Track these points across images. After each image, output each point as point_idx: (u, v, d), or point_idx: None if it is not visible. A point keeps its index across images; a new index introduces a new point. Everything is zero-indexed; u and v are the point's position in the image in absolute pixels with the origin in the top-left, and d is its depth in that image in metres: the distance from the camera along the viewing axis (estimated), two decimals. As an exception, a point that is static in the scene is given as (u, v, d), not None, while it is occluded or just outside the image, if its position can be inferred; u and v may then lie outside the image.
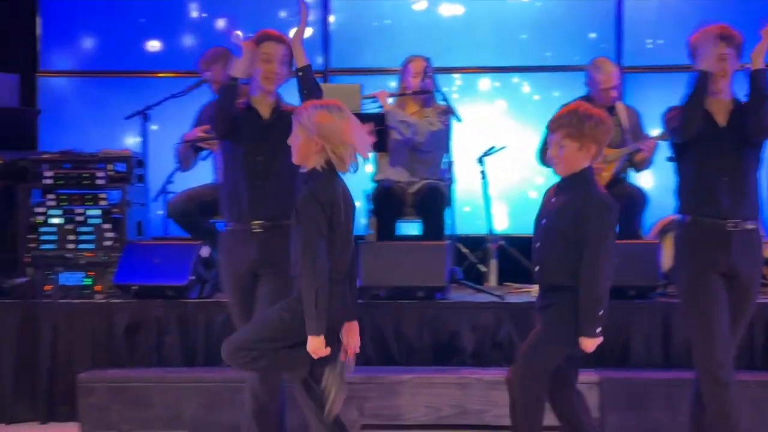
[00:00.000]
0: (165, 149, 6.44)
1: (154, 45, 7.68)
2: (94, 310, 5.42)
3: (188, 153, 6.16)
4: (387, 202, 6.18)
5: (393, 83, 6.65)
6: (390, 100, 6.30)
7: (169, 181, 6.41)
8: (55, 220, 5.78)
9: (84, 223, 5.79)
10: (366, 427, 5.07)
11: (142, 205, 6.10)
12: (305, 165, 3.69)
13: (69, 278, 5.68)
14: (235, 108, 4.16)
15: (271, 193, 4.11)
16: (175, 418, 5.10)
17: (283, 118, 4.13)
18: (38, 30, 7.47)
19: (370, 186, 6.41)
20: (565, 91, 6.88)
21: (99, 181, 5.81)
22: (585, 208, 3.75)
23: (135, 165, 5.97)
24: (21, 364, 5.37)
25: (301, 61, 4.15)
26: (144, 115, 6.35)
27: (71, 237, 5.76)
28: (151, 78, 7.58)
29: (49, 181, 5.80)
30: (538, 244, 3.87)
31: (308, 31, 6.30)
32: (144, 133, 6.38)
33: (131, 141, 7.23)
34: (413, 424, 5.04)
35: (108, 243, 5.77)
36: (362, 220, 6.64)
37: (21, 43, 7.36)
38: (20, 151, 6.13)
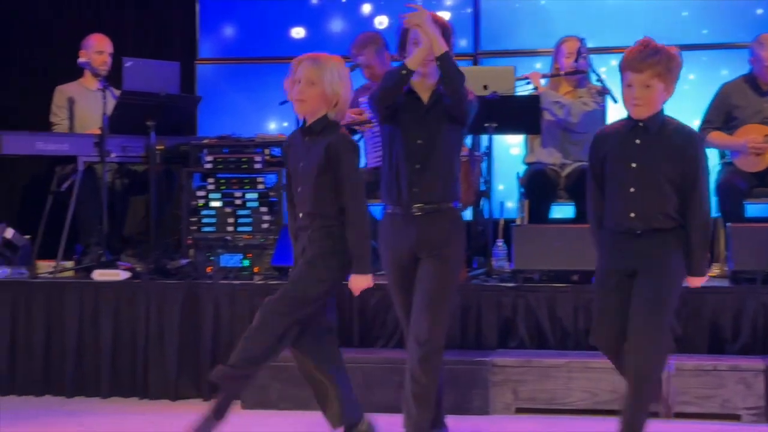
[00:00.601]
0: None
1: (298, 32, 7.81)
2: (253, 290, 5.57)
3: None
4: (539, 185, 6.13)
5: (539, 65, 6.58)
6: (543, 82, 6.25)
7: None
8: (215, 204, 5.97)
9: (242, 207, 5.95)
10: (521, 410, 5.06)
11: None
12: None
13: (229, 260, 5.85)
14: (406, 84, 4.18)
15: (430, 177, 4.12)
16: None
17: (442, 102, 4.14)
18: (197, 19, 7.68)
19: (521, 168, 6.37)
20: (728, 70, 6.69)
21: (256, 165, 5.96)
22: (689, 147, 3.73)
23: (287, 149, 6.10)
24: (185, 343, 5.56)
25: (437, 48, 4.10)
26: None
27: (230, 220, 5.93)
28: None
29: (209, 166, 5.98)
30: (632, 189, 3.73)
31: (446, 15, 6.30)
32: (297, 119, 6.49)
33: (284, 125, 7.38)
34: (568, 408, 5.00)
35: (265, 226, 5.92)
36: (510, 203, 6.62)
37: (181, 32, 7.61)
38: (181, 137, 6.36)
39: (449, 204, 4.17)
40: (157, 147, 6.09)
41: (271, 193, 5.96)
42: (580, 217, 5.96)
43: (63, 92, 6.52)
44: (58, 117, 6.50)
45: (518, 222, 6.19)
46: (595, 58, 6.29)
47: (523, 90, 6.14)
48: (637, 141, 3.73)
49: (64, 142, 6.03)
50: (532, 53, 7.24)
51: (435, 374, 4.15)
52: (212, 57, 7.84)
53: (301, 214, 4.02)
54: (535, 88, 6.15)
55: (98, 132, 6.02)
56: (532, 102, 5.96)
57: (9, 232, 5.97)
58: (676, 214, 3.73)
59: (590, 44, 6.23)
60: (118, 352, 5.60)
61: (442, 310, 4.12)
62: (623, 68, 3.73)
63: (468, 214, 5.92)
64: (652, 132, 3.73)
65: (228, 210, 5.94)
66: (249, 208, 5.94)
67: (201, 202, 5.97)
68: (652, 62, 3.65)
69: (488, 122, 5.72)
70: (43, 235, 6.12)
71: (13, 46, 7.58)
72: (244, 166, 5.96)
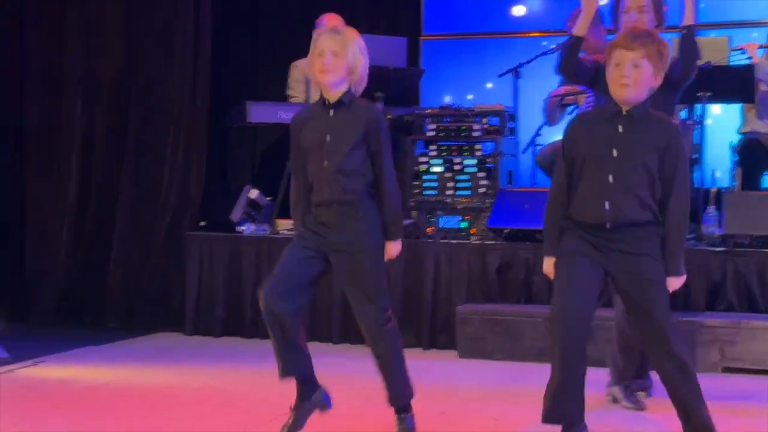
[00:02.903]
0: (534, 104, 6.85)
1: (519, 9, 8.06)
2: (469, 250, 5.98)
3: (555, 108, 6.54)
4: (753, 154, 6.22)
5: (755, 34, 6.58)
6: (759, 52, 6.28)
7: (537, 134, 6.80)
8: (436, 169, 6.41)
9: (461, 172, 6.37)
10: (727, 369, 5.23)
11: (513, 156, 6.58)
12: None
13: (448, 221, 6.29)
14: (589, 60, 4.45)
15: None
16: (542, 351, 5.52)
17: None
18: (422, -3, 8.12)
19: (736, 138, 6.44)
20: None
21: (475, 134, 6.36)
22: (673, 143, 3.49)
23: (507, 119, 6.47)
24: (407, 296, 6.02)
25: (688, 18, 4.34)
26: (515, 73, 6.79)
27: (450, 184, 6.36)
28: (519, 38, 7.97)
29: (431, 134, 6.44)
30: (611, 178, 3.48)
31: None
32: (515, 90, 6.82)
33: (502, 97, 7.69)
34: (776, 369, 5.13)
35: (482, 190, 6.31)
36: (718, 172, 6.67)
37: (408, 9, 8.03)
38: (406, 107, 6.82)
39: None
40: (386, 117, 6.55)
41: (488, 160, 6.33)
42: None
43: (299, 67, 7.05)
44: (295, 90, 7.07)
45: (733, 189, 6.28)
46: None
47: (738, 60, 6.21)
48: (620, 128, 3.51)
49: (303, 112, 6.60)
50: (750, 24, 7.22)
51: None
52: (436, 33, 8.23)
53: (326, 189, 3.82)
54: (750, 59, 6.20)
55: (331, 104, 6.53)
56: (747, 72, 6.03)
57: (253, 193, 6.60)
58: (652, 206, 3.50)
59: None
60: (346, 302, 6.10)
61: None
62: (612, 49, 3.54)
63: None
64: (636, 121, 3.51)
65: (448, 175, 6.37)
66: (467, 173, 6.35)
67: (423, 167, 6.43)
68: (644, 42, 3.49)
69: (701, 92, 5.85)
70: (283, 196, 6.71)
71: (255, 23, 8.20)
72: (463, 134, 6.37)
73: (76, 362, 5.56)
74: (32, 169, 6.93)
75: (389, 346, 3.97)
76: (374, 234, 3.85)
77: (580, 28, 4.32)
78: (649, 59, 3.47)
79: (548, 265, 3.68)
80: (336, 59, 3.78)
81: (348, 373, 5.15)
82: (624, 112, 3.52)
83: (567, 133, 3.64)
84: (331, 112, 3.85)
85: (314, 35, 3.86)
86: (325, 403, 3.98)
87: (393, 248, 3.91)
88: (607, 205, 3.47)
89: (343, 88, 3.84)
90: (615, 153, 3.48)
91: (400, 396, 3.98)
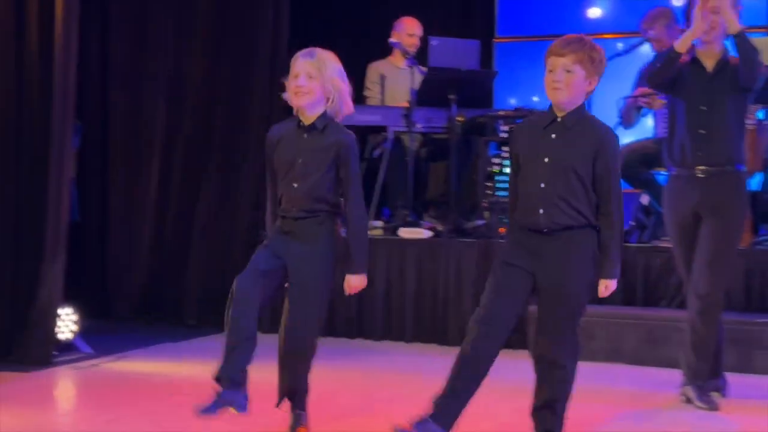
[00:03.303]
0: (608, 106, 6.83)
1: (594, 11, 8.04)
2: (542, 250, 5.98)
3: (631, 110, 6.52)
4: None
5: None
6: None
7: (610, 135, 6.76)
8: (509, 170, 6.41)
9: (534, 173, 6.37)
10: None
11: (586, 157, 6.56)
12: None
13: (521, 222, 6.30)
14: (678, 64, 4.45)
15: (713, 141, 4.38)
16: (615, 351, 5.53)
17: (727, 70, 4.37)
18: (496, 0, 8.12)
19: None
20: None
21: (548, 135, 6.36)
22: (605, 148, 3.55)
23: (580, 120, 6.44)
24: (478, 296, 6.01)
25: (733, 28, 4.33)
26: (588, 74, 6.77)
27: (524, 186, 6.37)
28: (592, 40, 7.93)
29: (504, 135, 6.46)
30: (543, 185, 3.55)
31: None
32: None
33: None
34: None
35: (555, 191, 6.30)
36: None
37: (481, 12, 8.07)
38: (479, 109, 6.86)
39: (733, 167, 4.42)
40: (458, 118, 6.59)
41: (561, 161, 6.33)
42: None
43: (375, 69, 7.15)
44: (371, 91, 7.15)
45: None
46: None
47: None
48: (553, 136, 3.59)
49: (377, 114, 6.69)
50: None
51: (713, 326, 4.41)
52: (509, 35, 8.24)
53: (294, 209, 3.81)
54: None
55: (406, 105, 6.60)
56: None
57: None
58: (586, 212, 3.57)
59: None
60: (420, 301, 6.19)
61: (722, 268, 4.38)
62: (546, 57, 3.63)
63: (755, 183, 6.02)
64: (569, 127, 3.58)
65: (522, 177, 6.38)
66: (541, 174, 6.36)
67: (496, 168, 6.47)
68: (574, 48, 3.56)
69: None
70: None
71: (332, 25, 8.32)
72: (536, 136, 6.38)
73: (156, 357, 5.72)
74: (115, 167, 7.10)
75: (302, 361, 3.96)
76: (331, 249, 3.83)
77: (683, 43, 4.34)
78: (581, 64, 3.55)
79: None
80: (310, 82, 3.78)
81: (420, 371, 5.21)
82: (559, 119, 3.60)
83: (511, 134, 3.74)
84: (305, 135, 3.84)
85: (293, 58, 3.88)
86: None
87: (355, 281, 3.89)
88: (541, 211, 3.56)
89: (318, 112, 3.82)
90: (546, 160, 3.57)
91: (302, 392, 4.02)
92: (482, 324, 3.63)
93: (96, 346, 5.76)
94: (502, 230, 6.27)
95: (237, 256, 6.79)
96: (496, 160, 6.47)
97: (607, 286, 3.66)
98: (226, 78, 6.97)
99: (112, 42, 7.12)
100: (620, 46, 6.98)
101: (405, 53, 6.83)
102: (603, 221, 3.57)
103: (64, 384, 5.21)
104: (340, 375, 5.27)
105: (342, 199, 3.84)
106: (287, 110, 6.98)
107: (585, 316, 3.79)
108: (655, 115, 6.48)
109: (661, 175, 6.07)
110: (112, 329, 6.53)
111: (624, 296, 5.79)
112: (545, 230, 3.57)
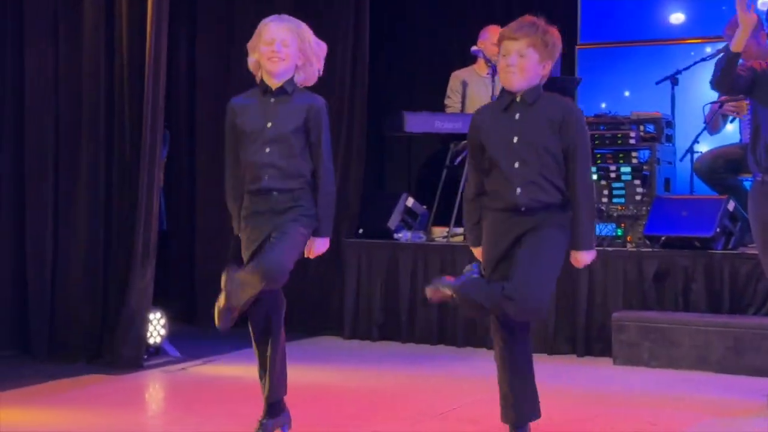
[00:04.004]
0: (691, 112, 6.78)
1: (678, 17, 7.96)
2: (625, 257, 5.96)
3: (716, 116, 6.45)
4: None
5: None
6: None
7: (695, 141, 6.71)
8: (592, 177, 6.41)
9: (617, 180, 6.36)
10: None
11: (670, 163, 6.52)
12: None
13: (603, 229, 6.28)
14: (745, 69, 4.39)
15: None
16: (702, 360, 5.47)
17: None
18: (578, 6, 8.10)
19: None
20: None
21: (631, 141, 6.34)
22: (569, 118, 3.57)
23: (664, 126, 6.43)
24: (561, 303, 6.05)
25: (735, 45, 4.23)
26: (673, 80, 6.74)
27: (605, 192, 6.36)
28: (676, 45, 7.87)
29: (585, 142, 6.43)
30: (516, 164, 3.55)
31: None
32: (672, 97, 6.76)
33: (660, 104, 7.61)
34: None
35: (638, 198, 6.28)
36: None
37: (564, 18, 8.05)
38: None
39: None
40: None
41: (644, 167, 6.30)
42: None
43: (458, 77, 7.21)
44: (451, 100, 7.21)
45: None
46: None
47: None
48: (517, 116, 3.60)
49: (458, 121, 6.74)
50: None
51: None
52: (592, 41, 8.21)
53: (265, 176, 3.77)
54: None
55: (487, 113, 6.64)
56: None
57: (410, 201, 6.77)
58: (562, 186, 3.58)
59: None
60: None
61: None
62: (499, 41, 3.65)
63: None
64: (530, 104, 3.60)
65: (603, 183, 6.37)
66: (623, 180, 6.34)
67: (581, 175, 6.44)
68: (527, 32, 3.57)
69: None
70: (438, 205, 6.87)
71: (412, 33, 8.40)
72: (619, 142, 6.36)
73: (243, 361, 5.81)
74: (202, 173, 7.25)
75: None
76: (306, 218, 3.78)
77: (737, 43, 4.28)
78: (535, 48, 3.57)
79: (477, 253, 3.80)
80: (287, 48, 3.76)
81: (471, 374, 5.24)
82: (518, 99, 3.61)
83: (472, 121, 3.73)
84: (272, 100, 3.80)
85: (261, 24, 3.83)
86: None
87: (319, 244, 3.88)
88: (518, 191, 3.56)
89: (287, 77, 3.80)
90: (516, 140, 3.58)
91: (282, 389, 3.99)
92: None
93: (184, 351, 5.90)
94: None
95: (318, 262, 6.84)
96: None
97: (576, 259, 3.69)
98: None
99: (198, 50, 7.27)
100: (708, 50, 6.93)
101: (488, 61, 6.86)
102: (571, 192, 3.58)
103: (154, 387, 5.35)
104: (422, 379, 5.32)
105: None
106: (369, 117, 7.11)
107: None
108: (740, 121, 6.41)
109: (747, 180, 6.00)
110: (199, 334, 6.68)
111: (710, 303, 5.73)
112: (524, 209, 3.57)
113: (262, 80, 3.83)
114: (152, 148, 5.56)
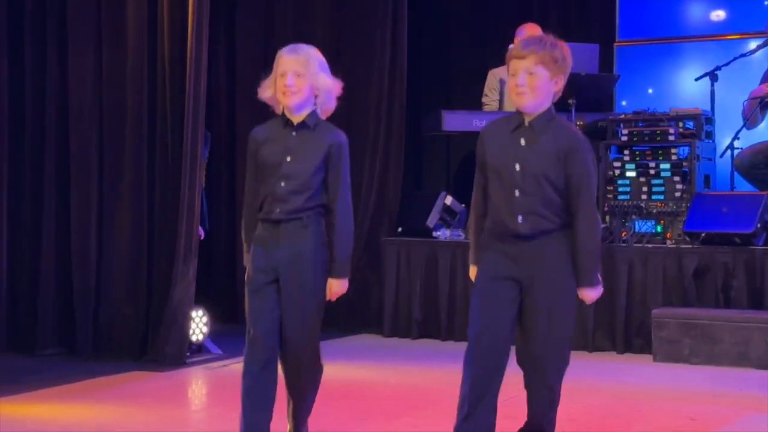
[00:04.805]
0: (731, 108, 6.74)
1: (718, 14, 7.90)
2: (665, 254, 5.96)
3: (755, 110, 6.42)
4: None
5: None
6: None
7: (735, 137, 6.67)
8: (630, 174, 6.42)
9: (656, 176, 6.35)
10: None
11: (710, 159, 6.50)
12: None
13: (642, 225, 6.28)
14: None
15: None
16: (742, 356, 5.45)
17: None
18: (617, 3, 8.07)
19: None
20: None
21: (670, 138, 6.33)
22: (575, 151, 3.37)
23: (703, 122, 6.41)
24: (601, 301, 6.00)
25: None
26: (713, 76, 6.71)
27: (644, 189, 6.35)
28: (716, 41, 7.80)
29: (624, 139, 6.45)
30: (517, 193, 3.40)
31: None
32: (712, 93, 6.72)
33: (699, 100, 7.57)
34: None
35: (677, 194, 6.27)
36: None
37: (601, 16, 8.04)
38: (599, 113, 6.85)
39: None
40: (577, 123, 6.62)
41: (684, 164, 6.29)
42: None
43: (495, 75, 7.21)
44: (489, 98, 7.22)
45: None
46: None
47: None
48: (522, 142, 3.42)
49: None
50: None
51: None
52: (630, 39, 8.17)
53: (277, 210, 3.65)
54: None
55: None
56: None
57: (449, 200, 6.80)
58: (562, 215, 3.40)
59: None
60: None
61: None
62: (507, 61, 3.46)
63: None
64: (538, 132, 3.41)
65: (642, 179, 6.37)
66: (662, 177, 6.33)
67: (617, 172, 6.45)
68: (535, 49, 3.38)
69: None
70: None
71: (449, 33, 8.42)
72: (658, 138, 6.35)
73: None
74: (242, 174, 7.28)
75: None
76: (319, 250, 3.67)
77: None
78: (544, 65, 3.39)
79: (472, 272, 3.62)
80: (298, 80, 3.64)
81: (510, 371, 5.24)
82: (526, 124, 3.44)
83: (480, 134, 3.56)
84: (293, 134, 3.69)
85: (277, 55, 3.73)
86: None
87: (337, 287, 3.72)
88: (520, 219, 3.42)
89: (307, 110, 3.69)
90: (518, 167, 3.41)
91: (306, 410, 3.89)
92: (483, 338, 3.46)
93: (225, 348, 5.97)
94: (624, 234, 6.25)
95: (358, 260, 6.92)
96: (617, 164, 6.46)
97: (584, 296, 3.48)
98: (347, 85, 7.09)
99: (238, 54, 7.36)
100: (752, 45, 6.88)
101: (526, 58, 6.85)
102: (573, 227, 3.41)
103: (197, 383, 5.43)
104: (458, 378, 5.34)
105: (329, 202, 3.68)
106: (408, 116, 7.14)
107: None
108: (781, 116, 6.38)
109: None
110: (241, 332, 6.72)
111: (750, 300, 5.70)
112: (524, 235, 3.42)
113: (283, 113, 3.73)
114: (194, 149, 5.65)
